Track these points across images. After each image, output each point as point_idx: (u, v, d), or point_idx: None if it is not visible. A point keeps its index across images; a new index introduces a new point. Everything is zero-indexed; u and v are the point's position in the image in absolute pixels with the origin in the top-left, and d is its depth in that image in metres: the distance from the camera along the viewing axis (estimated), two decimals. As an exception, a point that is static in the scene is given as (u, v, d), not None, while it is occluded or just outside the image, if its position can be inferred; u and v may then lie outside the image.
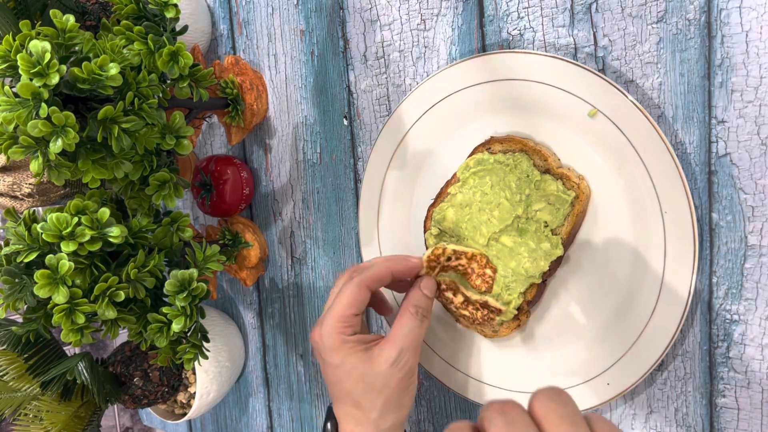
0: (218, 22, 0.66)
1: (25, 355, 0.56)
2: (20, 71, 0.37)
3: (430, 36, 0.51)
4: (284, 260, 0.65)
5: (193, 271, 0.47)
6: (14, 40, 0.38)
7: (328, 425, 0.44)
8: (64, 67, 0.37)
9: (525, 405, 0.27)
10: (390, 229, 0.54)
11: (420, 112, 0.50)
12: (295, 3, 0.59)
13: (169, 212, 0.50)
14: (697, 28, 0.40)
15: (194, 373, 0.65)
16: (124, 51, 0.44)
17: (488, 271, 0.44)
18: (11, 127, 0.38)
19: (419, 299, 0.43)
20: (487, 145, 0.47)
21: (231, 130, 0.61)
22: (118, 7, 0.47)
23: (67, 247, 0.40)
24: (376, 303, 0.48)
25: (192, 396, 0.65)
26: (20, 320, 0.48)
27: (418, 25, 0.52)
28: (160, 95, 0.47)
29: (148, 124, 0.44)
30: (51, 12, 0.40)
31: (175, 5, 0.47)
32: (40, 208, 0.62)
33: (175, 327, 0.46)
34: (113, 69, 0.40)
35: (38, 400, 0.56)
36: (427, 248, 0.46)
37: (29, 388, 0.56)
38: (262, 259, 0.65)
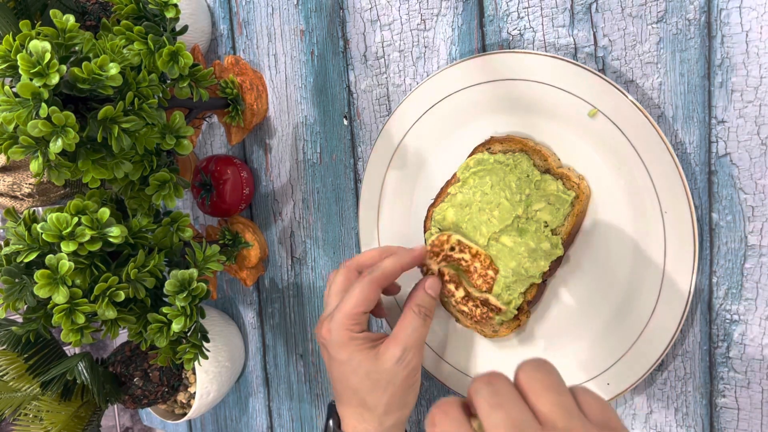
0: (218, 22, 0.66)
1: (25, 355, 0.56)
2: (20, 71, 0.37)
3: (430, 36, 0.51)
4: (284, 260, 0.65)
5: (193, 271, 0.47)
6: (14, 40, 0.38)
7: (330, 422, 0.44)
8: (64, 67, 0.37)
9: (511, 377, 0.27)
10: (390, 229, 0.54)
11: (420, 112, 0.50)
12: (295, 3, 0.59)
13: (169, 212, 0.50)
14: (697, 28, 0.40)
15: (194, 373, 0.65)
16: (124, 51, 0.44)
17: (490, 272, 0.45)
18: (11, 127, 0.38)
19: (423, 299, 0.44)
20: (487, 145, 0.47)
21: (231, 130, 0.61)
22: (118, 7, 0.47)
23: (67, 247, 0.40)
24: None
25: (192, 396, 0.65)
26: (20, 320, 0.48)
27: (418, 25, 0.52)
28: (160, 95, 0.47)
29: (148, 124, 0.44)
30: (51, 12, 0.40)
31: (175, 5, 0.47)
32: (40, 208, 0.62)
33: (175, 327, 0.46)
34: (113, 69, 0.40)
35: (38, 400, 0.56)
36: (427, 248, 0.47)
37: (29, 388, 0.56)
38: (262, 259, 0.65)
